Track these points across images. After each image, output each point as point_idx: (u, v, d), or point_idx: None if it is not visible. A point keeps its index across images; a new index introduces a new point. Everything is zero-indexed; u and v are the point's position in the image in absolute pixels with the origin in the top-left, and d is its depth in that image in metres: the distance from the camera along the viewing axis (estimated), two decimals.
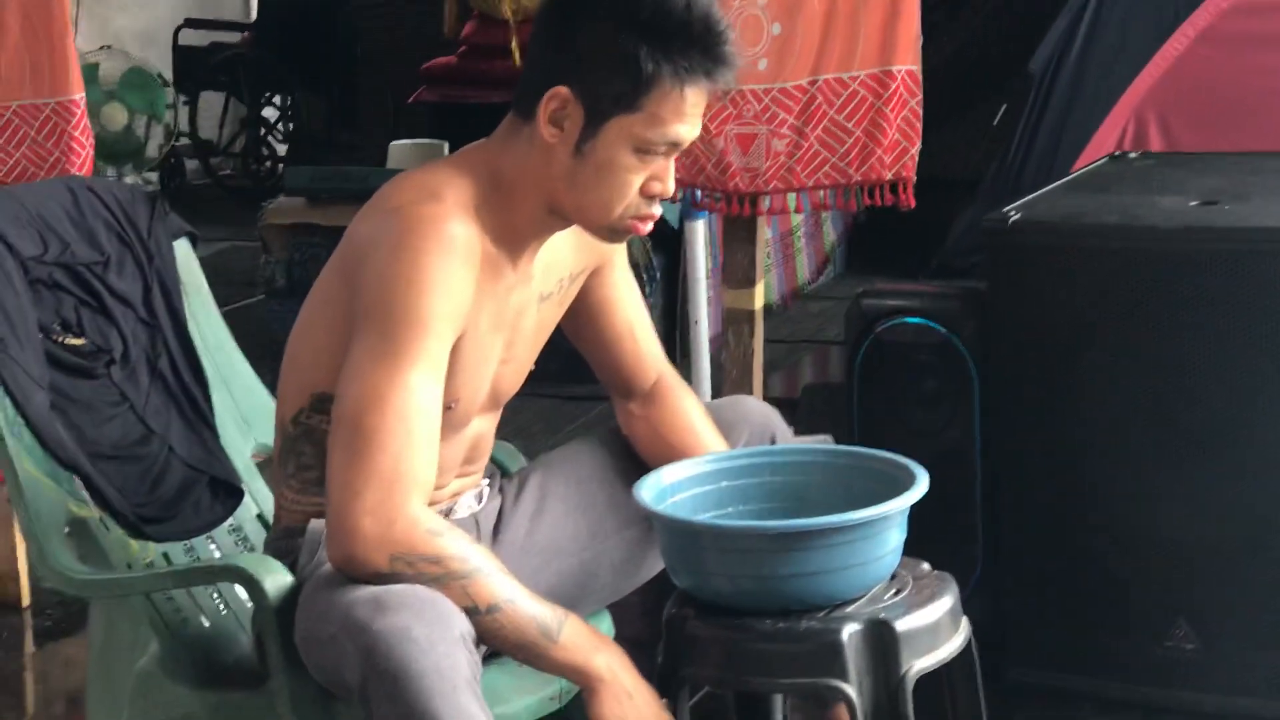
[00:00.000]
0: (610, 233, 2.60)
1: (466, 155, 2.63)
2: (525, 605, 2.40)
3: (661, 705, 2.44)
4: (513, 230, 2.59)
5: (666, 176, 2.55)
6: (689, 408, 2.85)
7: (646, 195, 2.56)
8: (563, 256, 2.70)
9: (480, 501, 2.80)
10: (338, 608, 2.35)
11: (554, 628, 2.40)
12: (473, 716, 2.27)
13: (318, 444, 2.56)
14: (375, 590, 2.34)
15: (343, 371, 2.46)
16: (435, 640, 2.28)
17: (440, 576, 2.36)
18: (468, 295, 2.49)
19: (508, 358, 2.68)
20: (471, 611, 2.36)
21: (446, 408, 2.52)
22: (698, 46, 2.48)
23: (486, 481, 2.83)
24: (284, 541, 2.65)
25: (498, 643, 2.41)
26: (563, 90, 2.49)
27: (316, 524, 2.57)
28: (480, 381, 2.64)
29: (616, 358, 2.86)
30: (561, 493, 2.84)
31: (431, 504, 2.61)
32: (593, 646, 2.42)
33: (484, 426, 2.74)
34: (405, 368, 2.41)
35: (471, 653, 2.33)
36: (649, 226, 2.60)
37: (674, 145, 2.53)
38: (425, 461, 2.42)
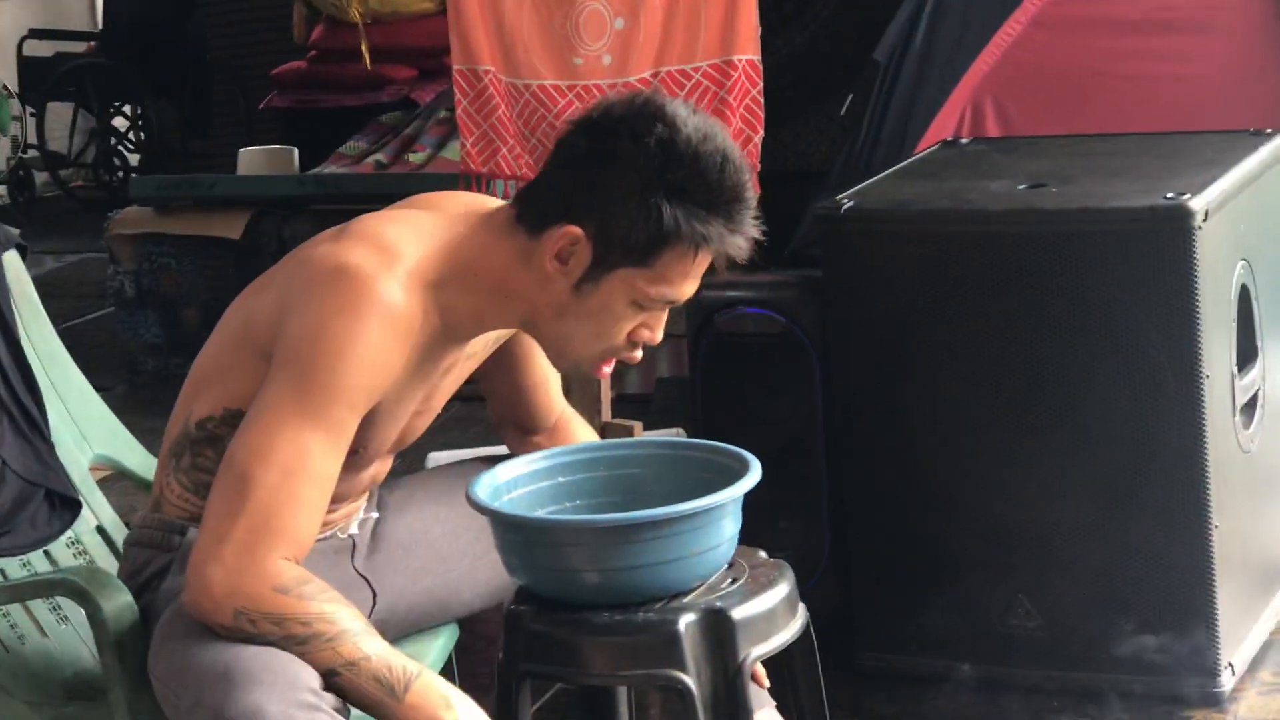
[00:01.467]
0: (573, 366, 2.62)
1: (448, 228, 2.56)
2: (368, 667, 2.35)
3: None
4: (475, 316, 2.56)
5: (658, 327, 2.56)
6: (586, 436, 2.91)
7: (632, 340, 2.56)
8: None
9: (358, 525, 2.79)
10: (192, 676, 2.34)
11: (399, 688, 2.35)
12: None
13: (221, 452, 2.49)
14: (227, 664, 2.32)
15: (250, 410, 2.43)
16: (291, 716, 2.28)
17: (281, 640, 2.33)
18: (395, 368, 2.47)
19: (422, 410, 2.68)
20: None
21: (353, 451, 2.51)
22: (722, 216, 2.47)
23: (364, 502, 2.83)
24: (160, 533, 2.62)
25: (346, 701, 2.37)
26: (576, 231, 2.47)
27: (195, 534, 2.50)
28: (392, 431, 2.64)
29: (528, 403, 2.88)
30: (444, 515, 2.82)
31: (325, 525, 2.60)
32: (440, 704, 2.35)
33: (384, 466, 2.76)
34: (308, 430, 2.39)
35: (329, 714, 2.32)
36: (609, 369, 2.62)
37: (670, 303, 2.54)
38: (302, 522, 2.39)
